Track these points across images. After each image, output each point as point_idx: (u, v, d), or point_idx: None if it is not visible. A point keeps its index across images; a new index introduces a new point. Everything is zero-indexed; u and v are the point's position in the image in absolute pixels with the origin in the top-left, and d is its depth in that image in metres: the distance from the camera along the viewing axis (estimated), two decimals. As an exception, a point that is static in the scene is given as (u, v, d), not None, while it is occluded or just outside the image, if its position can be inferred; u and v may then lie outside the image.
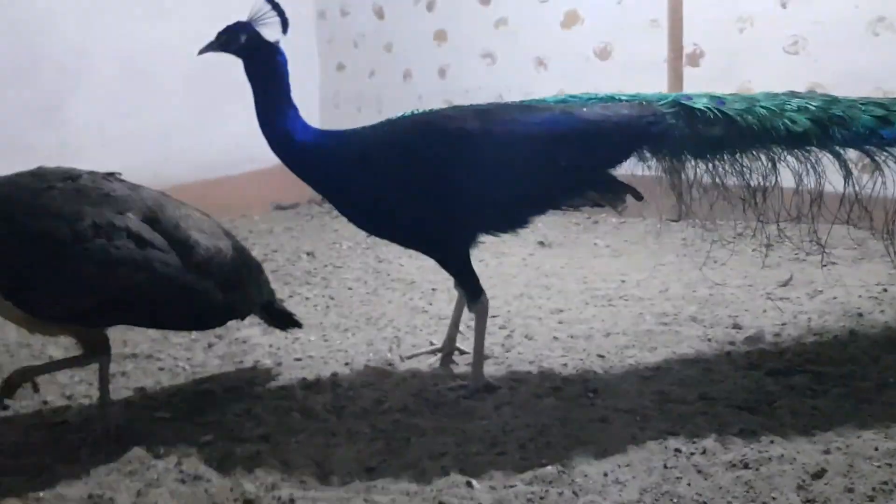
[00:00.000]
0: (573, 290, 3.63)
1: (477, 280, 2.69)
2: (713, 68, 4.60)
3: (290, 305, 3.55)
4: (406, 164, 2.55)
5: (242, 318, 2.72)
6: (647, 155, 2.65)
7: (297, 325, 2.90)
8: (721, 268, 3.68)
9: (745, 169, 2.66)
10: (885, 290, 3.33)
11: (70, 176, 2.31)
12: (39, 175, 2.31)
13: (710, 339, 2.97)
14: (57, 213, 2.18)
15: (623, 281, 3.72)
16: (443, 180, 2.54)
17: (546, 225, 4.82)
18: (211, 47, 2.62)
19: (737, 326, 3.07)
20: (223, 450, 2.28)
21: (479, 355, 2.69)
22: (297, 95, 2.63)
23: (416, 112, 2.71)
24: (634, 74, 4.60)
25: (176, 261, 2.27)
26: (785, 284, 3.50)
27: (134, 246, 2.20)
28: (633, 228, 4.66)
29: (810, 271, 3.55)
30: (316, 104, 5.85)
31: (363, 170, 2.56)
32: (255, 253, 4.40)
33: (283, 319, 2.84)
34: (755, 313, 3.20)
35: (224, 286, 2.38)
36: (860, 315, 3.08)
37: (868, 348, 2.79)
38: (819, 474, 2.03)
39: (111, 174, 2.43)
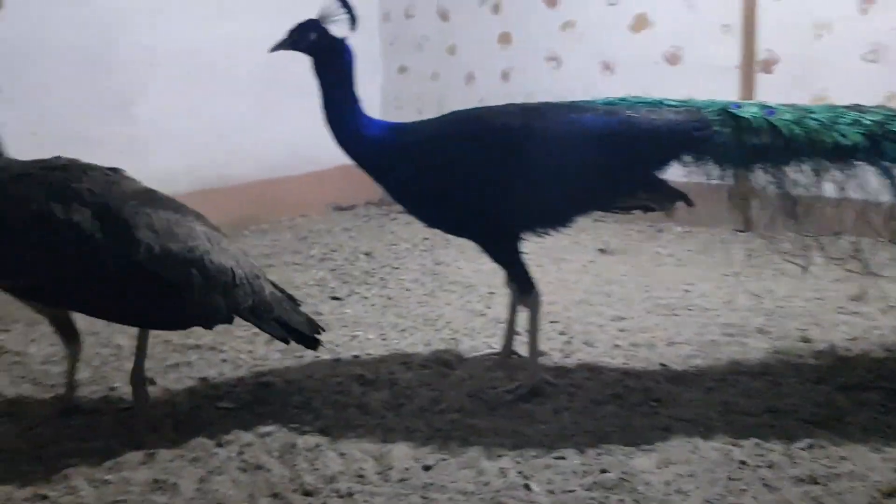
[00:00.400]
0: (635, 298, 3.57)
1: (528, 274, 2.70)
2: (787, 75, 4.49)
3: (349, 304, 3.59)
4: (454, 156, 2.61)
5: (204, 326, 2.50)
6: (690, 160, 2.63)
7: (312, 345, 2.61)
8: (790, 280, 3.59)
9: (787, 179, 2.61)
10: (964, 308, 3.20)
11: (50, 166, 2.42)
12: (38, 163, 2.46)
13: (777, 352, 2.90)
14: (10, 197, 2.34)
15: (687, 290, 3.65)
16: (486, 174, 2.60)
17: (608, 232, 4.77)
18: (282, 45, 2.67)
19: (806, 340, 2.99)
20: (283, 441, 2.31)
21: (535, 351, 2.69)
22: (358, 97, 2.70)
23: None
24: (705, 80, 4.52)
25: (111, 256, 2.28)
26: (857, 299, 3.39)
27: (70, 236, 2.28)
28: (697, 238, 4.57)
29: (884, 287, 3.43)
30: (378, 106, 5.88)
31: (418, 160, 2.65)
32: (314, 252, 4.47)
33: (280, 333, 2.53)
34: (825, 327, 3.11)
35: (170, 286, 2.33)
36: (937, 333, 2.97)
37: (945, 367, 2.69)
38: (892, 493, 1.96)
39: (112, 170, 2.50)
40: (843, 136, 2.53)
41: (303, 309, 2.70)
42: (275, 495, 2.04)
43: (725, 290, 3.63)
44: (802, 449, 2.18)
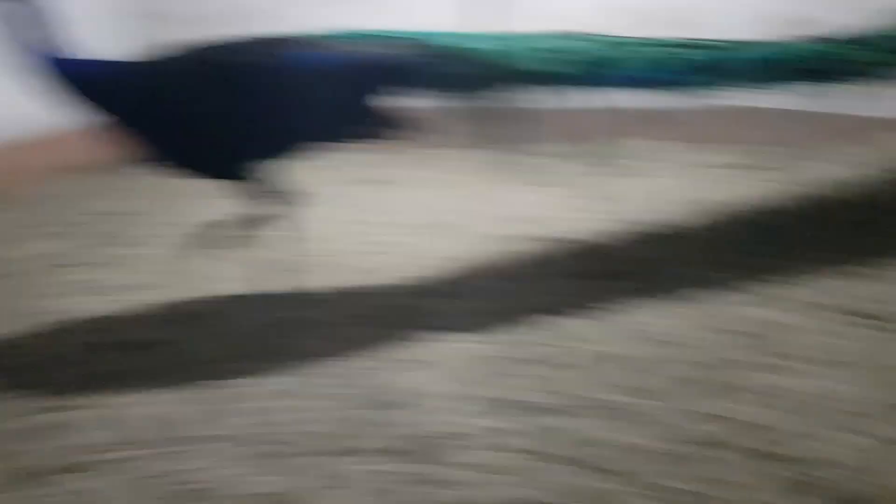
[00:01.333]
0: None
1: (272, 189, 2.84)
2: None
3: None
4: (167, 92, 2.67)
5: None
6: (402, 91, 2.77)
7: None
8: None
9: (490, 103, 2.81)
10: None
11: None
12: None
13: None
14: None
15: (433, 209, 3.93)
16: (194, 109, 2.67)
17: (362, 162, 4.84)
18: None
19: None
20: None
21: None
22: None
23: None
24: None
25: None
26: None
27: None
28: (448, 158, 4.75)
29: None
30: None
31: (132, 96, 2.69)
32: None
33: None
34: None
35: None
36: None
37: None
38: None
39: None
40: (540, 64, 2.76)
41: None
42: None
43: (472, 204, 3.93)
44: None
